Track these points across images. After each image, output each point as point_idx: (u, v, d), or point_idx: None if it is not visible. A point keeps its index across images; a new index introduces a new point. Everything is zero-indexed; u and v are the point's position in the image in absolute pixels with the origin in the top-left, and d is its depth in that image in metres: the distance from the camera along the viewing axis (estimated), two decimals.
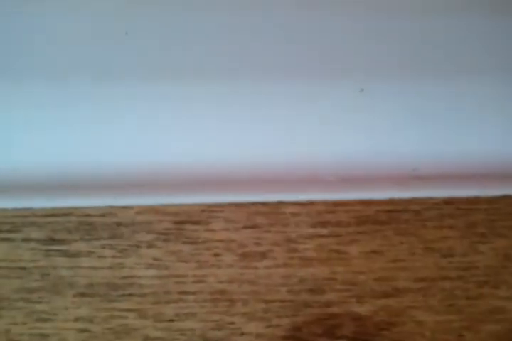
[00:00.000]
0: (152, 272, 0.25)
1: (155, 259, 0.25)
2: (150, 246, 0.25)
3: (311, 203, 0.26)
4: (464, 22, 0.29)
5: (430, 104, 0.28)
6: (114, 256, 0.25)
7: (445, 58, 0.29)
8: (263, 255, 0.26)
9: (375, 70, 0.28)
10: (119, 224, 0.25)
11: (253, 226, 0.26)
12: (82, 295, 0.25)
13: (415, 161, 0.28)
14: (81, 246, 0.25)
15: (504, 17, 0.29)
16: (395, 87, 0.28)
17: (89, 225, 0.25)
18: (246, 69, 0.28)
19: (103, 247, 0.25)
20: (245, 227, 0.26)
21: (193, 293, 0.25)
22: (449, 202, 0.27)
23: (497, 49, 0.29)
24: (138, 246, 0.25)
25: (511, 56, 0.29)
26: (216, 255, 0.26)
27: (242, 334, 0.25)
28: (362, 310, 0.26)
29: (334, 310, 0.26)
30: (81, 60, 0.27)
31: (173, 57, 0.27)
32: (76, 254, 0.25)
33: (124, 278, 0.25)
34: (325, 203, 0.26)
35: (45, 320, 0.25)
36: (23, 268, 0.25)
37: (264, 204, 0.26)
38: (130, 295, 0.25)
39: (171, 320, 0.25)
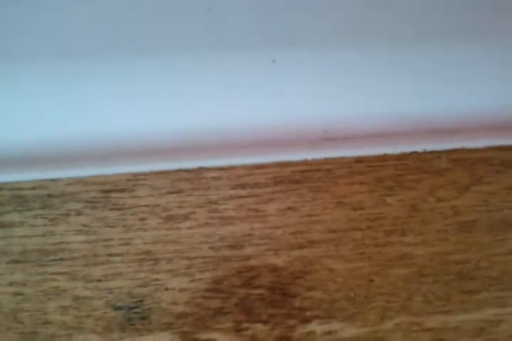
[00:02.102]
0: (81, 237, 0.27)
1: (83, 226, 0.27)
2: (79, 214, 0.27)
3: (232, 167, 0.28)
4: None
5: (337, 71, 0.30)
6: (45, 225, 0.27)
7: (356, 29, 0.30)
8: (186, 217, 0.28)
9: (287, 42, 0.30)
10: (49, 195, 0.27)
11: (177, 191, 0.28)
12: (16, 261, 0.27)
13: (326, 124, 0.30)
14: (14, 216, 0.27)
15: None
16: (303, 58, 0.29)
17: (21, 198, 0.27)
18: (162, 44, 0.29)
19: (35, 217, 0.27)
20: (169, 193, 0.28)
21: (120, 255, 0.27)
22: (359, 160, 0.29)
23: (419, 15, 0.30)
24: (67, 215, 0.27)
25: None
26: (141, 219, 0.27)
27: (167, 289, 0.27)
28: (278, 261, 0.28)
29: (252, 262, 0.28)
30: None
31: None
32: (9, 225, 0.27)
33: (55, 244, 0.27)
34: (244, 167, 0.28)
35: None
36: None
37: (186, 170, 0.28)
38: (61, 259, 0.27)
39: (99, 280, 0.27)
